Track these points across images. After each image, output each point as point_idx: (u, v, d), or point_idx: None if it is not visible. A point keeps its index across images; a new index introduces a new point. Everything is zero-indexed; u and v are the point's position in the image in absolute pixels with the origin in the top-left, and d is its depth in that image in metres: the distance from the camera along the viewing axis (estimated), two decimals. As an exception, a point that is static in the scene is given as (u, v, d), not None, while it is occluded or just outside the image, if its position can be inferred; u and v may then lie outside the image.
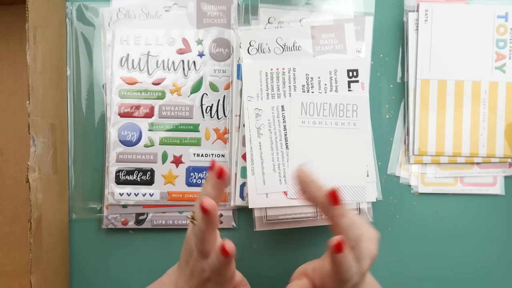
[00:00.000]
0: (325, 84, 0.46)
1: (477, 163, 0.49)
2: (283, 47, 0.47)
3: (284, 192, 0.46)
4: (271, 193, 0.46)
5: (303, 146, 0.46)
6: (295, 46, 0.47)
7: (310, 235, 0.49)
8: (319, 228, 0.48)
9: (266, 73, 0.46)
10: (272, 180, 0.46)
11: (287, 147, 0.46)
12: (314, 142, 0.46)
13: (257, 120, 0.46)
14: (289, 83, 0.46)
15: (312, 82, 0.46)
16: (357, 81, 0.46)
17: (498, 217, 0.50)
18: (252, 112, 0.46)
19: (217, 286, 0.38)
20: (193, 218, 0.37)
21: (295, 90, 0.46)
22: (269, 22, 0.48)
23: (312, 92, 0.46)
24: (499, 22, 0.49)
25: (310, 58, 0.47)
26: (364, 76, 0.46)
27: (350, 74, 0.46)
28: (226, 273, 0.37)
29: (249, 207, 0.46)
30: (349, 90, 0.46)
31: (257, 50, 0.47)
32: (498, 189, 0.50)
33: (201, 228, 0.35)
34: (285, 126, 0.46)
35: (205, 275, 0.38)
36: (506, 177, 0.50)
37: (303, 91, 0.46)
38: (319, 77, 0.46)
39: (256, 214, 0.47)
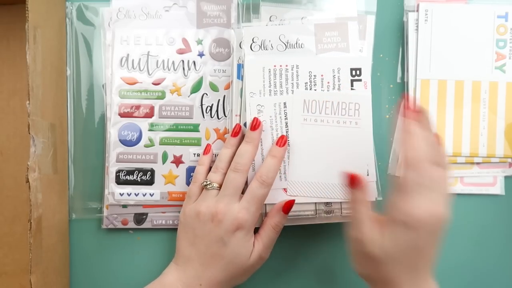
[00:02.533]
0: (328, 82, 0.46)
1: (477, 163, 0.49)
2: (286, 44, 0.47)
3: (284, 189, 0.46)
4: (271, 189, 0.46)
5: (305, 144, 0.46)
6: (298, 44, 0.47)
7: (309, 233, 0.49)
8: (319, 226, 0.48)
9: (269, 69, 0.46)
10: None
11: (288, 144, 0.46)
12: (315, 140, 0.46)
13: (259, 116, 0.46)
14: (292, 80, 0.46)
15: (315, 79, 0.46)
16: (360, 80, 0.46)
17: (498, 217, 0.50)
18: (254, 108, 0.46)
19: (245, 235, 0.42)
20: (211, 183, 0.43)
21: (297, 87, 0.46)
22: (270, 21, 0.48)
23: (315, 89, 0.46)
24: (499, 22, 0.49)
25: (313, 55, 0.47)
26: (367, 75, 0.46)
27: (353, 72, 0.46)
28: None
29: (249, 203, 0.46)
30: (351, 89, 0.46)
31: (260, 47, 0.47)
32: (498, 189, 0.50)
33: (251, 151, 0.43)
34: (287, 123, 0.46)
35: (236, 222, 0.41)
36: (506, 177, 0.50)
37: (306, 89, 0.46)
38: (322, 75, 0.46)
39: (256, 211, 0.47)
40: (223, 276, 0.42)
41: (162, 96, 0.49)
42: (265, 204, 0.47)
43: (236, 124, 0.46)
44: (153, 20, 0.49)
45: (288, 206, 0.44)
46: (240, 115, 0.48)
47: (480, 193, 0.50)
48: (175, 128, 0.49)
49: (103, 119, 0.50)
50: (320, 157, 0.46)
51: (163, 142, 0.49)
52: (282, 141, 0.44)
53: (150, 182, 0.49)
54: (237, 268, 0.42)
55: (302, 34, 0.47)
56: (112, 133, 0.49)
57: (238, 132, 0.45)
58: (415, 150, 0.37)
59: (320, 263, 0.50)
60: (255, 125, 0.44)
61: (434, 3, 0.49)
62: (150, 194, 0.49)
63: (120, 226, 0.49)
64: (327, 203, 0.47)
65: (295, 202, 0.46)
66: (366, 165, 0.46)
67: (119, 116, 0.49)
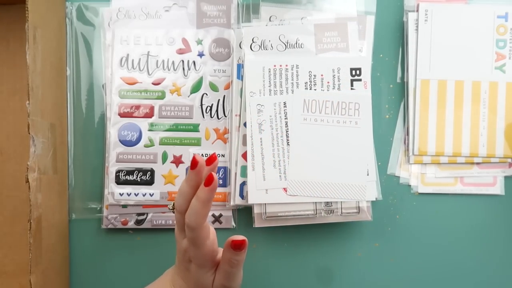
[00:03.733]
0: (328, 82, 0.46)
1: (477, 163, 0.49)
2: (286, 44, 0.47)
3: (284, 189, 0.46)
4: (270, 189, 0.46)
5: (304, 143, 0.46)
6: (297, 44, 0.47)
7: (309, 233, 0.49)
8: (319, 226, 0.48)
9: (269, 69, 0.47)
10: (272, 176, 0.46)
11: (288, 144, 0.46)
12: (315, 140, 0.46)
13: (259, 116, 0.46)
14: (292, 80, 0.47)
15: (315, 79, 0.46)
16: (360, 80, 0.46)
17: (498, 217, 0.50)
18: (254, 107, 0.46)
19: (198, 268, 0.38)
20: (173, 207, 0.38)
21: (297, 87, 0.46)
22: (270, 21, 0.48)
23: (315, 89, 0.46)
24: (499, 22, 0.49)
25: (313, 55, 0.47)
26: (367, 75, 0.47)
27: (353, 72, 0.46)
28: (203, 244, 0.36)
29: (249, 202, 0.46)
30: (351, 89, 0.46)
31: (260, 46, 0.47)
32: (498, 189, 0.49)
33: (185, 191, 0.36)
34: (286, 123, 0.46)
35: (187, 256, 0.38)
36: (506, 177, 0.50)
37: (306, 88, 0.46)
38: (322, 75, 0.46)
39: (256, 210, 0.47)
40: None
41: (162, 96, 0.49)
42: (265, 204, 0.47)
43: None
44: (153, 20, 0.49)
45: (237, 244, 0.37)
46: (240, 115, 0.48)
47: (480, 193, 0.50)
48: (175, 128, 0.49)
49: (103, 119, 0.50)
50: (320, 156, 0.46)
51: (163, 142, 0.49)
52: (208, 181, 0.35)
53: (150, 182, 0.49)
54: None
55: (302, 34, 0.47)
56: (112, 133, 0.49)
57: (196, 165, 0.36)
58: None
59: (320, 263, 0.49)
60: (209, 180, 0.35)
61: (434, 3, 0.49)
62: (150, 194, 0.49)
63: (120, 226, 0.49)
64: (327, 203, 0.47)
65: (295, 202, 0.46)
66: (366, 165, 0.46)
67: (119, 116, 0.49)
